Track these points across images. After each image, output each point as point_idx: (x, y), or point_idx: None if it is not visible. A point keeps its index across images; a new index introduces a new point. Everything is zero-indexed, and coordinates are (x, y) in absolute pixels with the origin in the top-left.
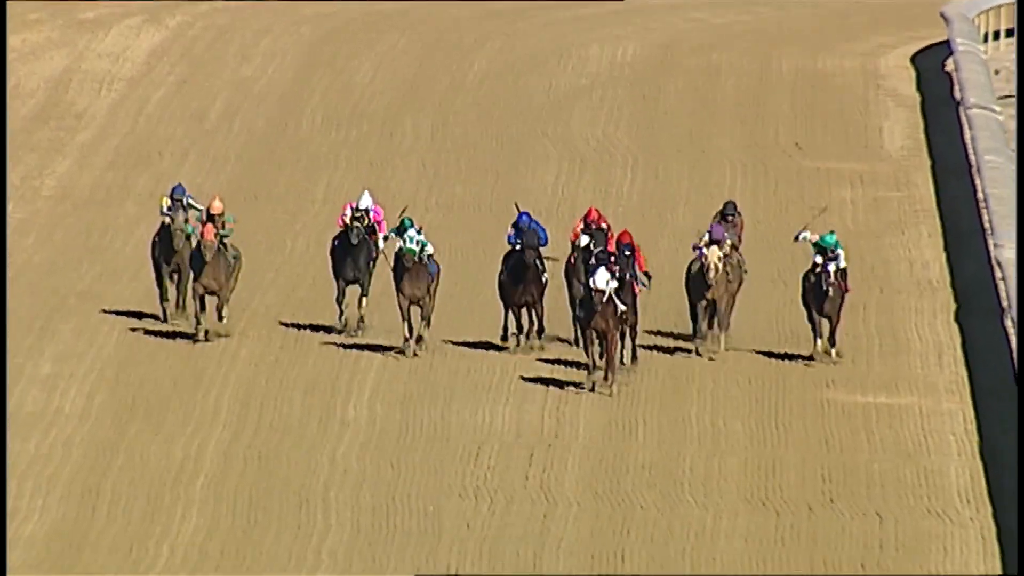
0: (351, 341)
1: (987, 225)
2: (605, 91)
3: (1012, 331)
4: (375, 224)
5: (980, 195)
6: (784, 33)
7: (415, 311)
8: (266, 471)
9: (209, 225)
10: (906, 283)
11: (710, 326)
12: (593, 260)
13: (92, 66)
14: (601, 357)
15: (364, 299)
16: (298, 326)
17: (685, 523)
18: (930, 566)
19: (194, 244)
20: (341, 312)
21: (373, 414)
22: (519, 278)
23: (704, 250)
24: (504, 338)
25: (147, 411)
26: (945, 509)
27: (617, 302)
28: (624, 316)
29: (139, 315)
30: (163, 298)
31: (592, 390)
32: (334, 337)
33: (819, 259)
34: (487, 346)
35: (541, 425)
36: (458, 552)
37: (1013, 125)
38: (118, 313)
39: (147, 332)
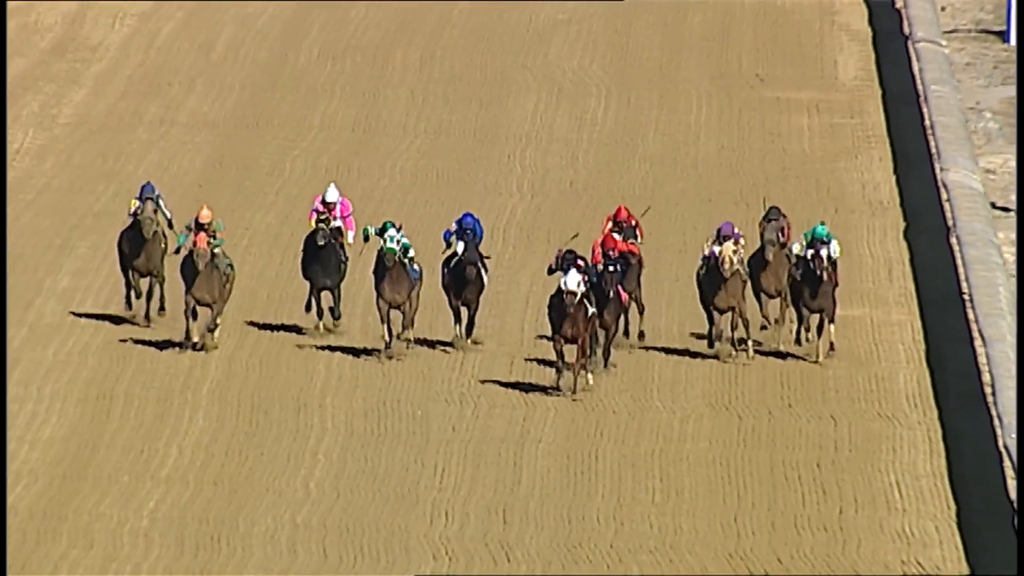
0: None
1: (934, 150)
2: (581, 26)
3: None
4: (342, 220)
5: (927, 122)
6: None
7: (395, 315)
8: (267, 378)
9: (202, 234)
10: (859, 203)
11: (734, 328)
12: (559, 260)
13: (105, 2)
14: (566, 362)
15: (337, 302)
16: (296, 244)
17: (654, 426)
18: (880, 465)
19: (184, 253)
20: (320, 312)
21: (365, 325)
22: (461, 285)
23: (717, 248)
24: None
25: (157, 322)
26: (894, 412)
27: (588, 305)
28: (593, 319)
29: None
30: (128, 296)
31: (562, 391)
32: None
33: (810, 251)
34: None
35: (521, 335)
36: (444, 452)
37: (957, 58)
38: None
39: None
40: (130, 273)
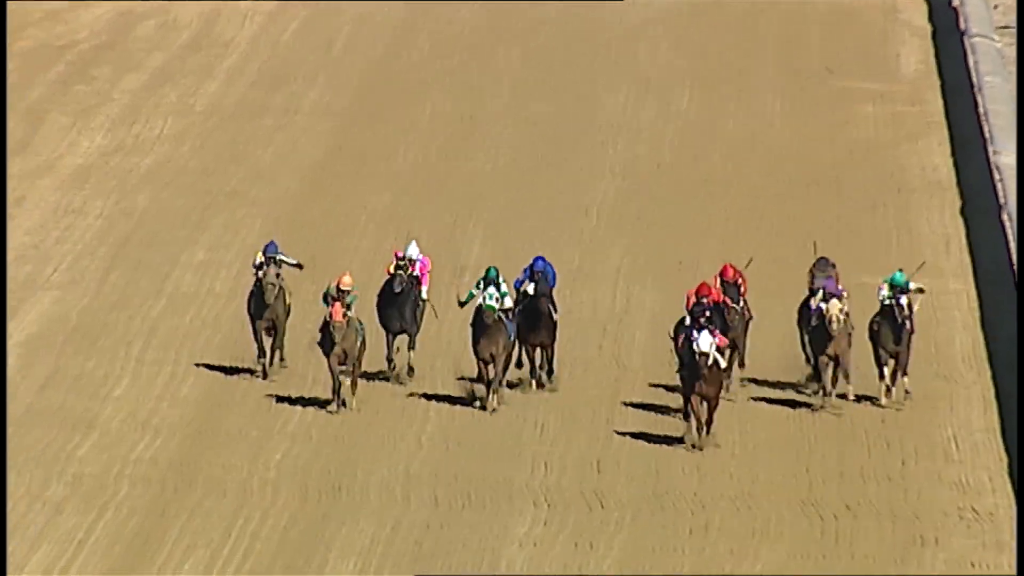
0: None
1: (987, 135)
2: (666, 25)
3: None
4: (419, 276)
5: (981, 110)
6: None
7: (490, 369)
8: (382, 343)
9: (337, 305)
10: (919, 184)
11: (834, 382)
12: (689, 320)
13: (237, 2)
14: (701, 418)
15: (412, 351)
16: (407, 224)
17: (733, 385)
18: (938, 420)
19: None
20: (391, 363)
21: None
22: (533, 323)
23: (823, 304)
24: (519, 365)
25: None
26: (951, 373)
27: (720, 361)
28: (727, 373)
29: (278, 212)
30: (261, 353)
31: (695, 447)
32: (441, 227)
33: (887, 297)
34: (565, 238)
35: (612, 305)
36: (544, 410)
37: (1009, 52)
38: (260, 209)
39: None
40: (258, 328)
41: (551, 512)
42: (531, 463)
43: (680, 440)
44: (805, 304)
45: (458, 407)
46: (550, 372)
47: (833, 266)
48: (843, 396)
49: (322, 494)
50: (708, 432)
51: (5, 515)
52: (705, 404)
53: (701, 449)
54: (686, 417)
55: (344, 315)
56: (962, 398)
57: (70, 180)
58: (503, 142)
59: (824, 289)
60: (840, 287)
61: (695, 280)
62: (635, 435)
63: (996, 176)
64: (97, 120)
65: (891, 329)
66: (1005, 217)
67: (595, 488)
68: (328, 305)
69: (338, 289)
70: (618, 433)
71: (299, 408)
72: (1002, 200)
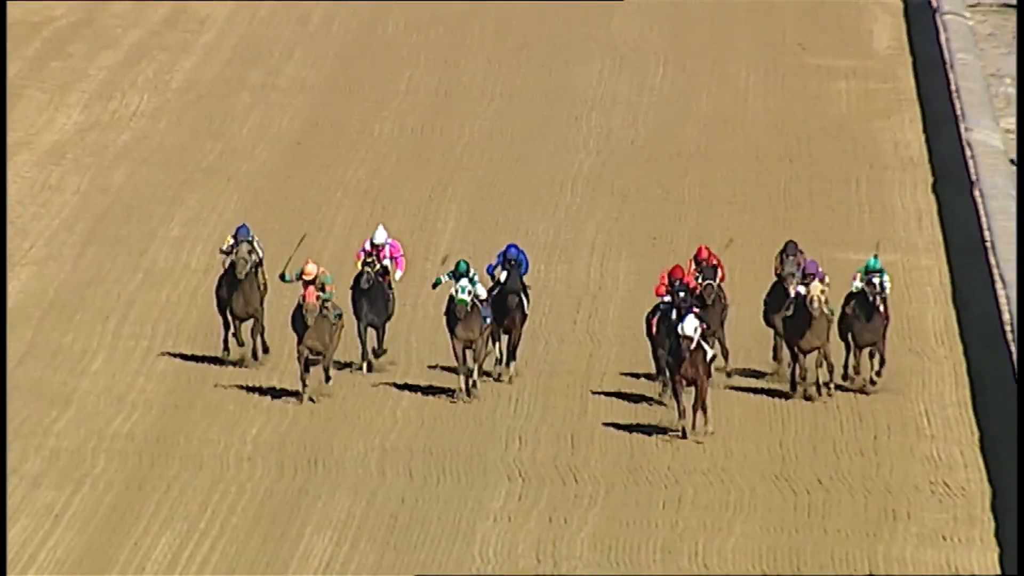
0: (430, 206)
1: (959, 112)
2: (641, 0)
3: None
4: (391, 260)
5: (953, 87)
6: None
7: (468, 354)
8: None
9: (311, 288)
10: (891, 160)
11: (819, 366)
12: (675, 312)
13: None
14: (692, 405)
15: (382, 341)
16: (386, 195)
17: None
18: (911, 395)
19: (290, 280)
20: (364, 352)
21: (446, 267)
22: (502, 315)
23: (802, 288)
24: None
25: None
26: (923, 348)
27: (706, 348)
28: (714, 359)
29: (255, 187)
30: (226, 339)
31: (683, 436)
32: (416, 202)
33: (859, 283)
34: (540, 212)
35: (587, 279)
36: (518, 384)
37: (981, 29)
38: (237, 184)
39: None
40: (228, 316)
41: (525, 486)
42: (505, 438)
43: (655, 419)
44: (775, 291)
45: (433, 383)
46: (511, 358)
47: (801, 252)
48: (827, 384)
49: (298, 468)
50: (705, 417)
51: (6, 514)
52: (692, 389)
53: (688, 434)
54: (676, 400)
55: (318, 298)
56: (934, 373)
57: (47, 156)
58: (478, 117)
59: (804, 269)
60: (820, 268)
61: (669, 255)
62: (609, 410)
63: (968, 152)
64: (74, 96)
65: (862, 318)
66: (976, 193)
67: (569, 462)
68: (285, 283)
69: (303, 281)
70: (592, 408)
71: (275, 383)
72: (973, 176)
